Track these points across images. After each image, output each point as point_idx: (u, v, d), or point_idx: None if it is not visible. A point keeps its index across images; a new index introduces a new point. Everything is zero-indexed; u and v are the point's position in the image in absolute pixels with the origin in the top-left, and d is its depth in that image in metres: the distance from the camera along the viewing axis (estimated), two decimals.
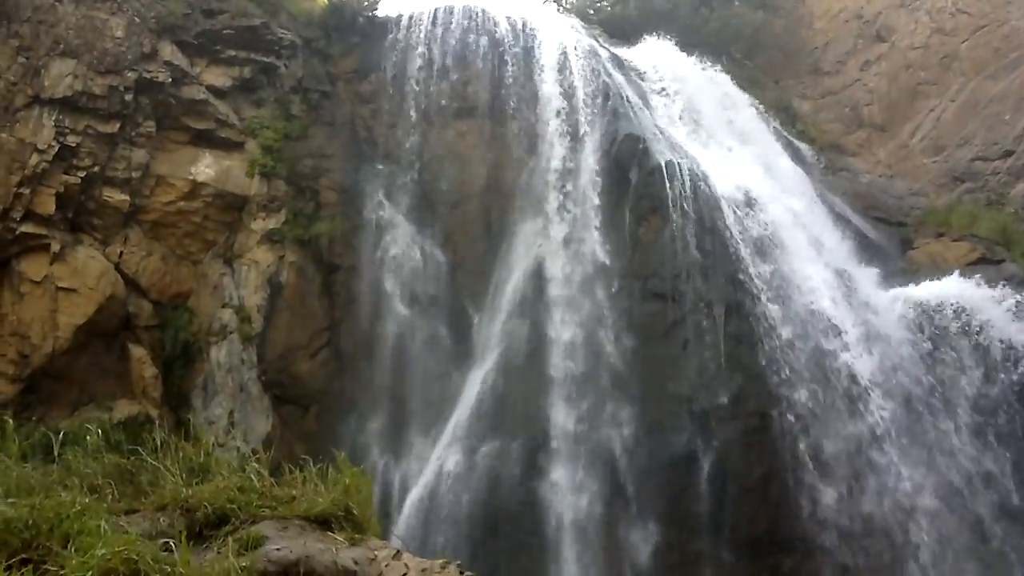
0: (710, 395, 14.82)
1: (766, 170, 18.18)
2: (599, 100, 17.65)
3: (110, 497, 6.27)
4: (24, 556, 5.20)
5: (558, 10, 24.70)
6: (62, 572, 5.02)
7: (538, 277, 16.35)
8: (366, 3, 19.45)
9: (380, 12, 19.46)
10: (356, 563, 5.75)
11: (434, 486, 15.16)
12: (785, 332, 15.16)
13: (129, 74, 16.40)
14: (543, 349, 15.74)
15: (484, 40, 18.59)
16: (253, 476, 6.36)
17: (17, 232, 15.36)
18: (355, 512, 6.27)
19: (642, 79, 19.24)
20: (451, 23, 18.77)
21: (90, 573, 4.96)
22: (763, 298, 15.35)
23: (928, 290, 16.19)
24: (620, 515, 14.64)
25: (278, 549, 5.59)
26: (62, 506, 5.58)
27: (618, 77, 18.31)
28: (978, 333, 15.22)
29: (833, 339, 15.39)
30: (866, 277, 16.77)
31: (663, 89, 19.22)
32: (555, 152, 17.22)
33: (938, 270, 16.88)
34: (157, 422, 14.95)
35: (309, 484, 6.50)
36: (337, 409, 16.24)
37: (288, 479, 6.60)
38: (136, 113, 16.62)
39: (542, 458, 15.11)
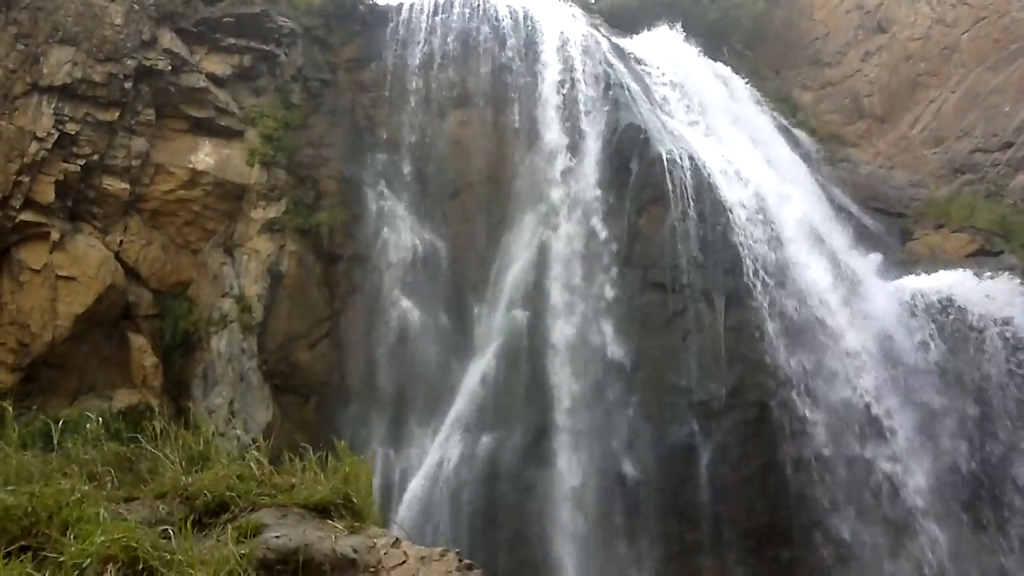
0: (710, 386, 14.83)
1: (766, 160, 18.16)
2: (600, 90, 17.61)
3: (109, 485, 6.27)
4: (23, 543, 5.20)
5: None
6: (61, 559, 5.03)
7: (538, 267, 16.32)
8: None
9: (381, 1, 19.41)
10: (355, 551, 5.75)
11: (434, 476, 15.16)
12: (785, 323, 15.15)
13: (128, 62, 16.36)
14: (543, 339, 15.74)
15: (485, 29, 18.55)
16: (253, 464, 6.36)
17: (17, 220, 15.33)
18: (355, 500, 6.27)
19: (643, 69, 19.18)
20: (452, 12, 18.73)
21: (89, 560, 4.97)
22: (763, 289, 15.33)
23: (927, 281, 16.18)
24: (619, 506, 14.65)
25: (277, 537, 5.58)
26: (61, 494, 5.58)
27: (619, 67, 18.26)
28: (974, 324, 15.21)
29: (831, 329, 15.37)
30: (866, 268, 16.75)
31: (664, 79, 19.16)
32: (556, 142, 17.19)
33: (937, 261, 16.87)
34: (157, 411, 14.95)
35: (309, 472, 6.50)
36: (337, 399, 16.25)
37: (288, 467, 6.60)
38: (135, 101, 16.58)
39: (542, 448, 15.13)
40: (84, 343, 15.75)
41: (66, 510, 5.42)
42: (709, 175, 16.27)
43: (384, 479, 15.55)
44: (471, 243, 17.18)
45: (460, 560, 5.79)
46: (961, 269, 16.29)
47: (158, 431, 6.71)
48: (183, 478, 6.12)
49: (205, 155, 17.17)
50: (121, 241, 16.45)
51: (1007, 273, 16.19)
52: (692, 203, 15.83)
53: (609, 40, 19.42)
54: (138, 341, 16.12)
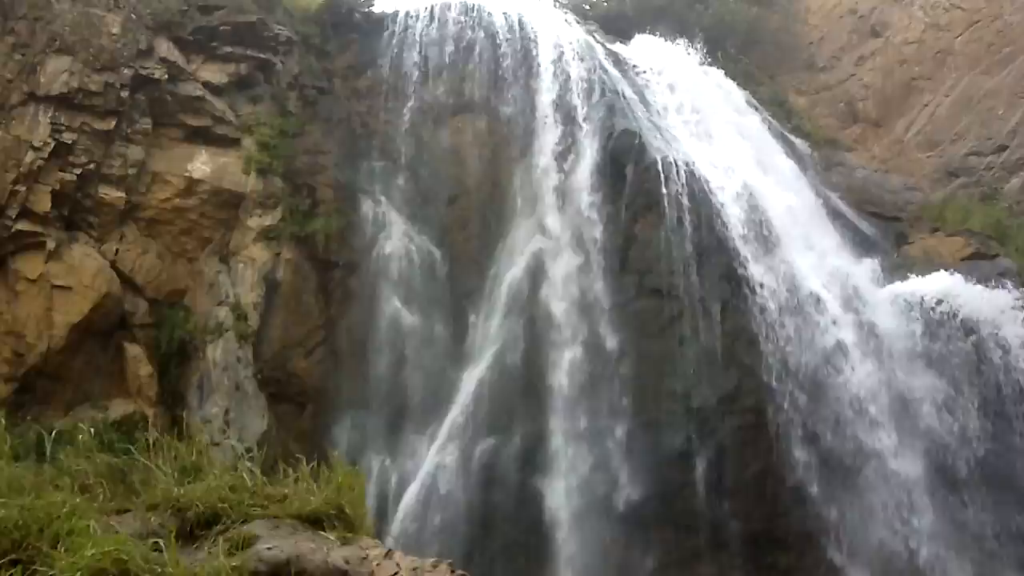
0: (706, 391, 14.81)
1: (761, 165, 18.17)
2: (595, 95, 17.64)
3: (101, 497, 6.28)
4: (14, 557, 5.21)
5: (554, 6, 24.67)
6: (51, 573, 5.04)
7: (534, 273, 16.34)
8: None
9: (376, 8, 19.48)
10: (347, 562, 5.77)
11: (430, 485, 15.15)
12: (781, 328, 15.17)
13: (125, 71, 16.36)
14: (539, 346, 15.75)
15: (481, 36, 18.58)
16: (245, 475, 6.37)
17: (12, 230, 15.28)
18: (347, 511, 6.28)
19: (638, 75, 19.21)
20: (448, 19, 18.76)
21: (79, 574, 4.98)
22: (759, 294, 15.34)
23: (923, 285, 16.19)
24: (617, 513, 14.64)
25: (269, 548, 5.61)
26: (52, 506, 5.59)
27: (614, 72, 18.29)
28: (970, 327, 15.24)
29: (828, 334, 15.39)
30: (862, 272, 16.76)
31: (658, 84, 19.19)
32: (552, 148, 17.22)
33: (933, 265, 16.88)
34: (152, 421, 14.96)
35: (302, 483, 6.51)
36: (333, 407, 16.23)
37: (281, 478, 6.61)
38: (132, 110, 16.58)
39: (538, 456, 15.12)
40: (79, 353, 15.72)
41: (57, 523, 5.43)
42: (704, 180, 16.29)
43: (380, 487, 15.55)
44: (467, 250, 17.19)
45: (452, 571, 5.81)
46: (956, 272, 16.28)
47: (151, 442, 6.72)
48: (175, 489, 6.13)
49: (202, 163, 17.16)
50: (117, 250, 16.42)
51: (1003, 276, 16.21)
52: (687, 208, 15.83)
53: (604, 46, 19.45)
54: (134, 350, 16.10)
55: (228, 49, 17.51)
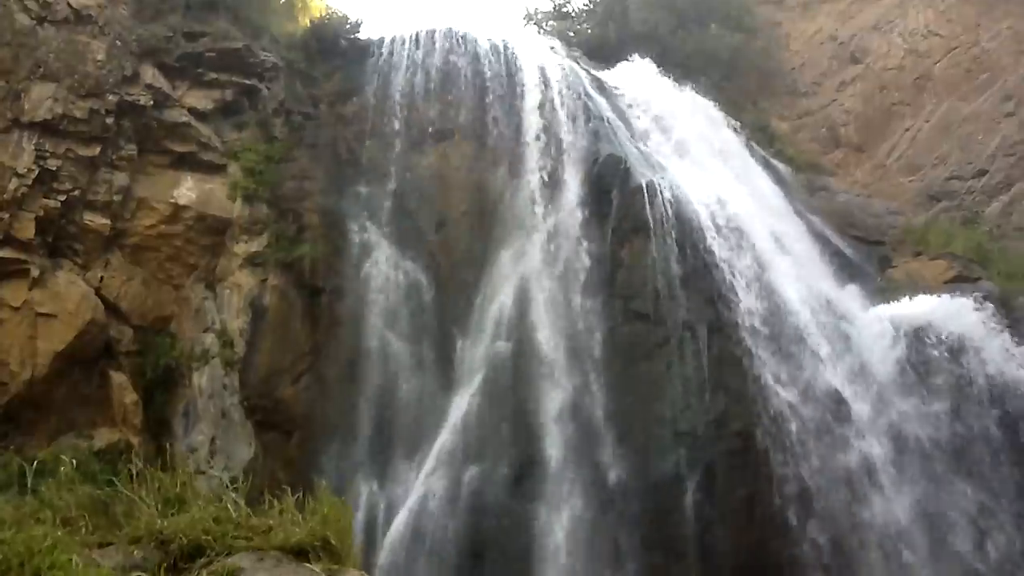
0: (694, 416, 14.81)
1: (746, 190, 18.30)
2: (580, 121, 17.75)
3: (84, 530, 6.20)
4: None
5: (539, 33, 25.02)
6: None
7: (521, 298, 16.32)
8: (348, 26, 19.56)
9: (362, 34, 19.58)
10: None
11: (419, 511, 15.01)
12: (768, 353, 15.21)
13: (110, 97, 16.37)
14: (527, 371, 15.69)
15: (466, 62, 18.69)
16: (230, 506, 6.30)
17: None
18: (333, 542, 6.22)
19: (622, 100, 19.36)
20: (433, 45, 18.86)
21: None
22: (745, 318, 15.39)
23: (907, 308, 16.30)
24: (606, 538, 14.56)
25: None
26: (34, 540, 5.51)
27: (598, 98, 18.43)
28: (952, 350, 15.35)
29: (814, 359, 15.44)
30: (846, 296, 16.86)
31: (643, 110, 19.33)
32: (537, 173, 17.27)
33: (916, 288, 16.99)
34: (137, 449, 14.81)
35: (287, 514, 6.45)
36: (320, 434, 16.10)
37: (266, 509, 6.54)
38: (117, 136, 16.57)
39: (527, 482, 15.03)
40: (63, 381, 15.60)
41: (38, 557, 5.35)
42: (690, 205, 16.39)
43: (368, 514, 15.41)
44: (454, 275, 17.17)
45: None
46: (939, 295, 16.40)
47: (134, 473, 6.65)
48: (158, 521, 6.05)
49: (187, 189, 17.15)
50: (102, 277, 16.36)
51: (985, 299, 16.34)
52: (673, 233, 15.91)
53: (588, 72, 19.61)
54: (118, 378, 15.99)
55: (214, 75, 17.57)
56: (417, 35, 19.03)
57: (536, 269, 16.45)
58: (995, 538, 14.40)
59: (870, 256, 19.14)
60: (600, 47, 23.46)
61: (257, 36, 18.38)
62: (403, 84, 18.35)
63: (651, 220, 15.86)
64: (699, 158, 18.85)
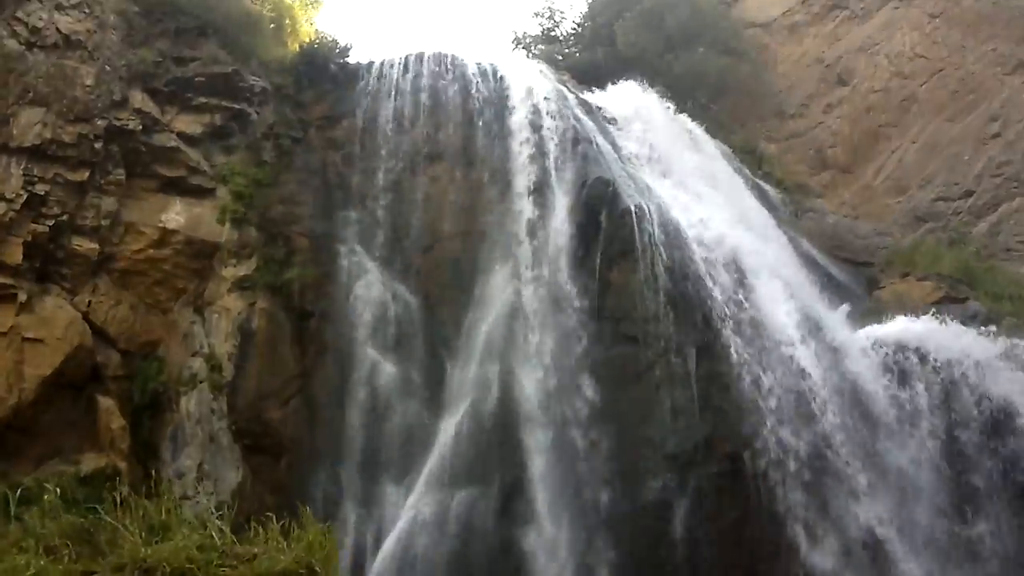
0: (683, 438, 14.79)
1: (734, 212, 18.40)
2: (568, 144, 17.80)
3: (67, 558, 6.15)
4: None
5: (527, 56, 25.21)
6: None
7: (510, 321, 16.31)
8: (337, 50, 19.64)
9: (352, 59, 19.66)
10: None
11: (408, 536, 14.94)
12: (756, 374, 15.22)
13: (99, 122, 16.38)
14: (516, 395, 15.66)
15: (455, 86, 18.78)
16: (214, 534, 6.26)
17: None
18: (318, 569, 6.18)
19: (610, 123, 19.48)
20: (422, 69, 18.95)
21: None
22: (734, 340, 15.42)
23: (894, 329, 16.37)
24: (596, 561, 14.50)
25: None
26: (16, 570, 5.47)
27: (587, 121, 18.52)
28: (941, 371, 15.40)
29: (802, 379, 15.46)
30: (835, 318, 16.91)
31: (631, 133, 19.45)
32: (526, 196, 17.31)
33: (904, 309, 17.07)
34: (125, 475, 14.72)
35: (272, 541, 6.40)
36: (309, 458, 16.04)
37: (251, 536, 6.50)
38: (106, 161, 16.57)
39: (517, 505, 14.97)
40: (51, 406, 15.51)
41: None
42: (678, 227, 16.45)
43: (357, 538, 15.35)
44: (443, 298, 17.17)
45: None
46: (927, 316, 16.48)
47: (119, 500, 6.60)
48: (142, 550, 6.01)
49: (176, 214, 17.16)
50: (89, 302, 16.31)
51: (973, 319, 16.43)
52: (662, 255, 15.94)
53: (577, 95, 19.73)
54: (106, 403, 15.91)
55: (203, 100, 17.61)
56: (406, 59, 19.13)
57: (525, 292, 16.45)
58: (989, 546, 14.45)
59: (858, 277, 19.26)
60: (588, 70, 23.64)
61: (246, 61, 18.43)
62: (392, 108, 18.43)
63: (639, 243, 15.89)
64: (688, 180, 18.94)
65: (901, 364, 15.67)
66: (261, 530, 6.60)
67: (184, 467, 15.76)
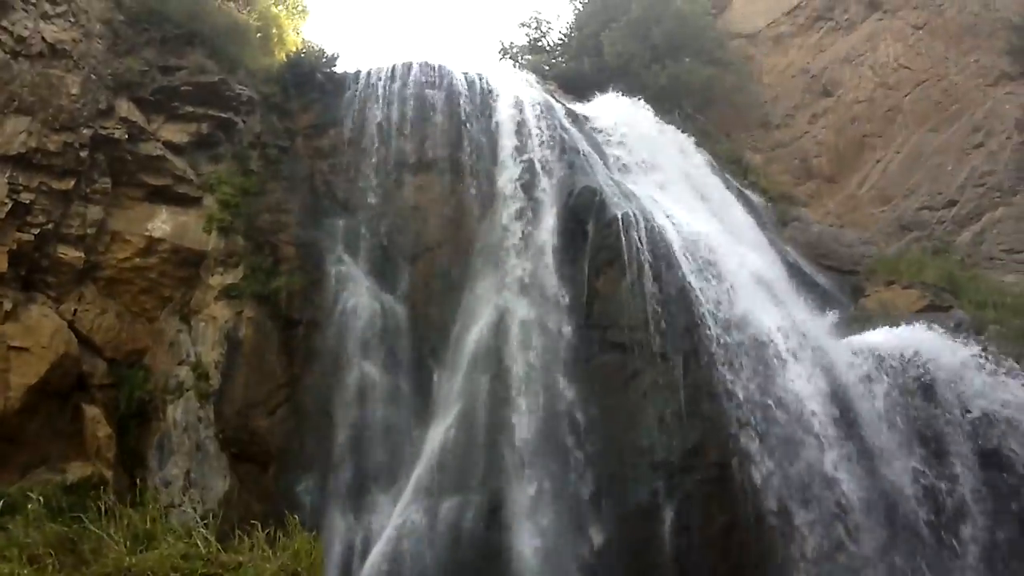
0: (671, 445, 14.80)
1: (720, 221, 18.51)
2: (555, 153, 17.93)
3: (51, 567, 6.12)
4: None
5: (514, 66, 25.33)
6: None
7: (497, 330, 16.34)
8: (324, 59, 19.71)
9: (339, 68, 19.73)
10: None
11: (396, 544, 14.90)
12: (743, 381, 15.28)
13: (85, 131, 16.35)
14: (503, 403, 15.67)
15: (442, 96, 18.87)
16: (199, 542, 6.24)
17: None
18: None
19: (597, 133, 19.58)
20: (409, 79, 19.04)
21: None
22: (720, 347, 15.47)
23: (880, 337, 16.46)
24: (583, 568, 14.50)
25: None
26: None
27: (573, 131, 18.63)
28: (926, 379, 15.49)
29: (789, 387, 15.52)
30: (821, 326, 16.99)
31: (617, 142, 19.55)
32: (513, 205, 17.38)
33: (889, 317, 17.17)
34: (111, 483, 14.63)
35: (257, 549, 6.39)
36: (296, 467, 15.99)
37: (236, 545, 6.48)
38: (92, 170, 16.54)
39: (505, 513, 14.95)
40: (36, 415, 15.42)
41: None
42: (664, 236, 16.52)
43: (345, 546, 15.30)
44: (431, 307, 17.19)
45: None
46: (911, 325, 16.57)
47: (103, 509, 6.57)
48: (127, 558, 5.99)
49: (162, 222, 17.14)
50: (75, 310, 16.26)
51: (957, 327, 16.54)
52: (648, 263, 16.00)
53: (563, 105, 19.84)
54: (92, 412, 15.83)
55: (189, 109, 17.60)
56: (393, 68, 19.21)
57: (513, 300, 16.49)
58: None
59: (843, 286, 19.37)
60: (575, 80, 23.78)
61: (233, 70, 18.44)
62: (379, 117, 18.49)
63: (626, 251, 15.96)
64: (674, 190, 19.05)
65: (886, 371, 15.74)
66: (247, 538, 6.57)
67: (171, 476, 15.68)
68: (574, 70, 25.03)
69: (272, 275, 17.08)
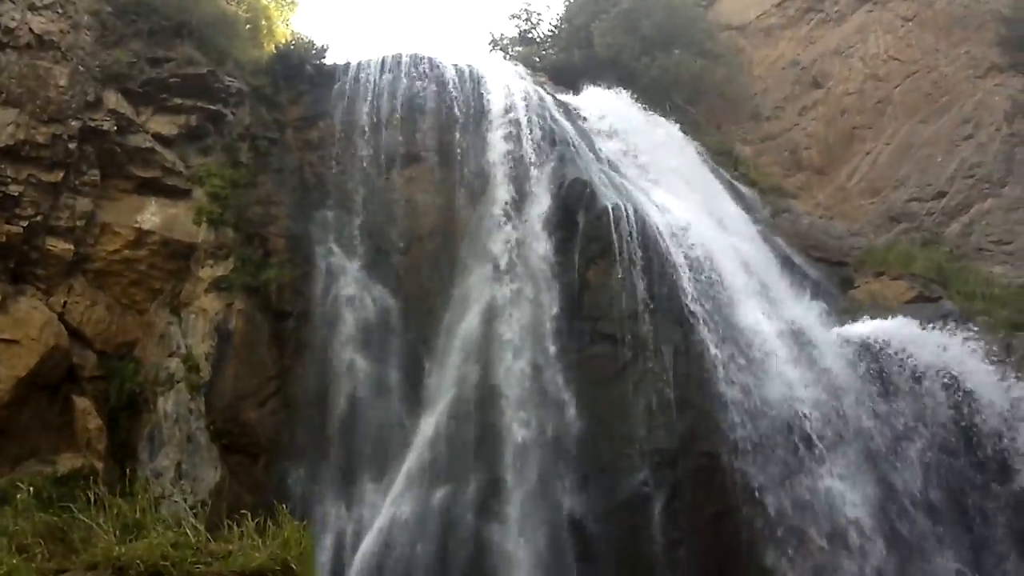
0: (660, 436, 14.90)
1: (710, 212, 18.57)
2: (546, 145, 17.94)
3: (40, 556, 6.13)
4: None
5: (504, 58, 25.32)
6: None
7: (488, 321, 16.38)
8: (314, 51, 19.64)
9: (328, 60, 19.66)
10: None
11: (387, 534, 14.97)
12: (732, 371, 15.36)
13: (73, 123, 16.27)
14: (494, 394, 15.74)
15: (432, 87, 18.86)
16: (189, 531, 6.27)
17: None
18: (293, 566, 6.20)
19: (587, 124, 19.59)
20: (399, 70, 19.02)
21: None
22: (710, 339, 15.55)
23: (869, 328, 16.55)
24: (573, 557, 14.58)
25: None
26: None
27: (564, 123, 18.64)
28: (915, 370, 15.60)
29: (778, 377, 15.61)
30: (810, 317, 17.08)
31: (608, 134, 19.57)
32: (503, 197, 17.40)
33: (878, 308, 17.27)
34: (102, 475, 14.62)
35: (247, 538, 6.41)
36: (287, 458, 16.03)
37: (225, 534, 6.51)
38: (80, 162, 16.47)
39: (494, 502, 15.04)
40: (26, 407, 15.37)
41: None
42: (655, 227, 16.57)
43: (336, 537, 15.38)
44: (421, 299, 17.22)
45: None
46: (901, 316, 16.67)
47: (92, 499, 6.59)
48: (116, 548, 6.00)
49: (151, 214, 17.08)
50: (65, 302, 16.20)
51: (946, 318, 16.64)
52: (639, 255, 16.07)
53: (554, 97, 19.84)
54: (82, 404, 15.79)
55: (178, 101, 17.53)
56: (383, 60, 19.18)
57: (503, 292, 16.53)
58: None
59: (832, 277, 19.46)
60: (565, 72, 23.77)
61: (222, 62, 18.37)
62: (369, 109, 18.45)
63: (616, 243, 16.01)
64: (664, 181, 19.09)
65: (875, 362, 15.84)
66: (236, 528, 6.60)
67: (161, 467, 15.68)
68: (564, 62, 25.02)
69: (262, 267, 17.06)
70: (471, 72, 19.17)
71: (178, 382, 16.34)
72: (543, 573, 14.51)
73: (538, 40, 28.07)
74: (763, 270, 17.86)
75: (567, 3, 28.11)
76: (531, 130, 18.04)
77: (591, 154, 18.35)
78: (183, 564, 5.97)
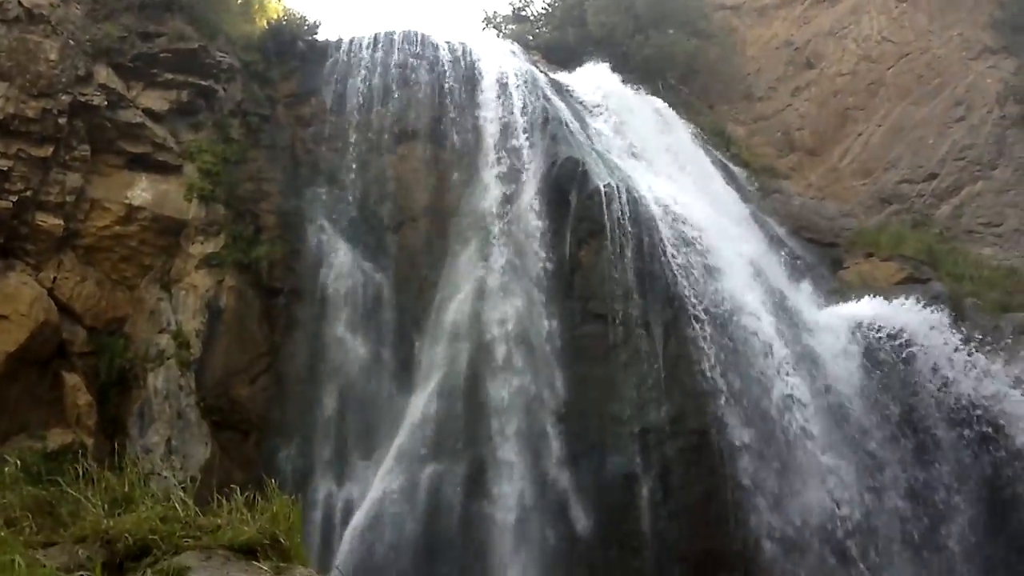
0: (650, 415, 14.97)
1: (702, 192, 18.55)
2: (539, 124, 17.89)
3: (28, 530, 6.15)
4: None
5: (498, 36, 25.17)
6: None
7: (479, 299, 16.41)
8: (306, 27, 19.52)
9: (320, 36, 19.56)
10: None
11: (377, 511, 15.06)
12: (723, 353, 15.42)
13: (63, 97, 16.16)
14: (484, 372, 15.79)
15: (425, 65, 18.78)
16: (178, 506, 6.31)
17: None
18: (282, 540, 6.24)
19: (580, 103, 19.53)
20: (392, 47, 18.92)
21: None
22: (700, 319, 15.59)
23: (860, 308, 16.64)
24: (563, 536, 14.69)
25: None
26: None
27: (557, 101, 18.58)
28: (903, 351, 15.69)
29: (768, 357, 15.68)
30: (801, 297, 17.15)
31: (601, 113, 19.52)
32: (496, 175, 17.39)
33: (868, 289, 17.35)
34: (91, 451, 14.64)
35: (236, 513, 6.45)
36: (278, 434, 16.10)
37: (215, 508, 6.55)
38: (70, 136, 16.36)
39: (483, 480, 15.13)
40: (16, 382, 15.35)
41: None
42: (646, 207, 16.56)
43: (326, 513, 15.48)
44: (412, 276, 17.23)
45: None
46: (890, 297, 16.75)
47: (81, 473, 6.62)
48: (104, 521, 6.03)
49: (142, 190, 17.00)
50: (55, 278, 16.15)
51: (935, 299, 16.73)
52: (630, 235, 16.06)
53: (547, 75, 19.76)
54: (72, 379, 15.78)
55: (169, 76, 17.40)
56: (376, 37, 19.07)
57: (494, 270, 16.54)
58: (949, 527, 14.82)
59: (823, 257, 19.53)
60: (559, 50, 23.68)
61: (213, 37, 18.24)
62: (361, 86, 18.38)
63: (608, 222, 16.00)
64: (656, 161, 19.06)
65: (865, 342, 15.94)
66: (226, 503, 6.64)
67: (151, 443, 15.70)
68: (558, 40, 24.91)
69: (253, 244, 17.04)
70: (464, 50, 19.09)
71: (168, 358, 16.33)
72: (532, 550, 14.62)
73: (532, 18, 27.96)
74: (754, 250, 17.85)
75: None
76: (524, 108, 17.99)
77: (583, 132, 18.30)
78: (171, 538, 5.99)
